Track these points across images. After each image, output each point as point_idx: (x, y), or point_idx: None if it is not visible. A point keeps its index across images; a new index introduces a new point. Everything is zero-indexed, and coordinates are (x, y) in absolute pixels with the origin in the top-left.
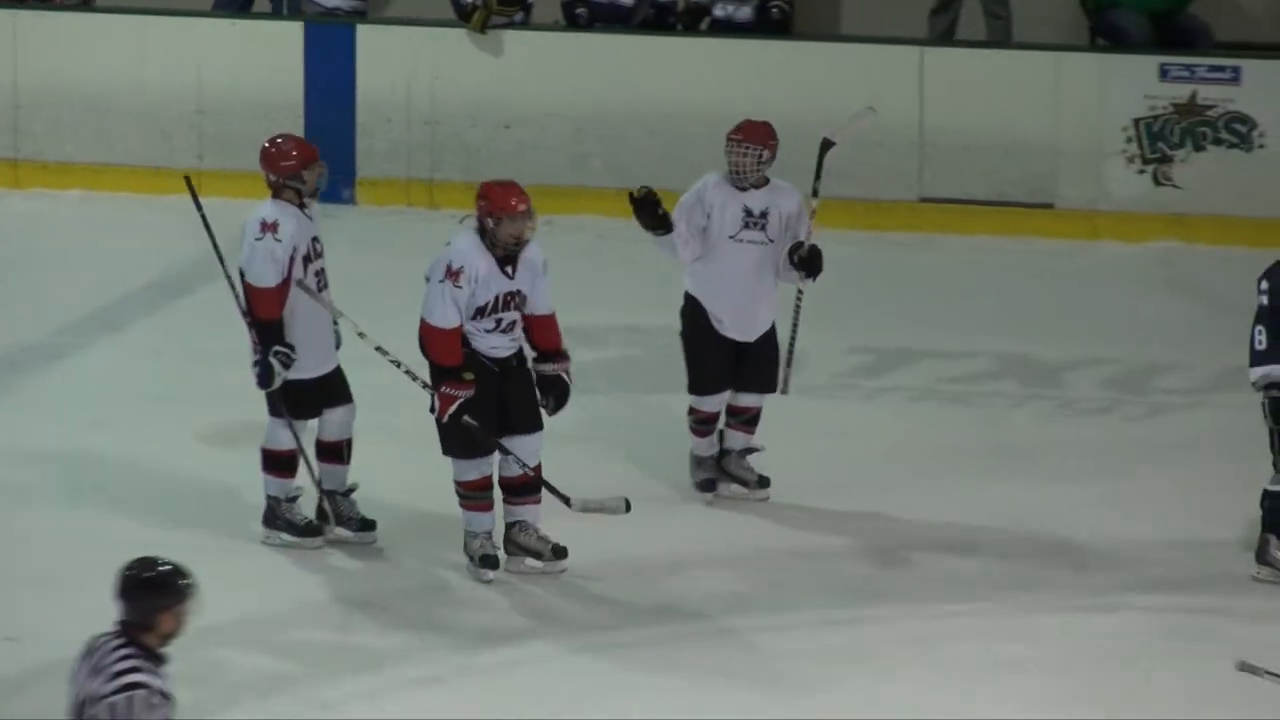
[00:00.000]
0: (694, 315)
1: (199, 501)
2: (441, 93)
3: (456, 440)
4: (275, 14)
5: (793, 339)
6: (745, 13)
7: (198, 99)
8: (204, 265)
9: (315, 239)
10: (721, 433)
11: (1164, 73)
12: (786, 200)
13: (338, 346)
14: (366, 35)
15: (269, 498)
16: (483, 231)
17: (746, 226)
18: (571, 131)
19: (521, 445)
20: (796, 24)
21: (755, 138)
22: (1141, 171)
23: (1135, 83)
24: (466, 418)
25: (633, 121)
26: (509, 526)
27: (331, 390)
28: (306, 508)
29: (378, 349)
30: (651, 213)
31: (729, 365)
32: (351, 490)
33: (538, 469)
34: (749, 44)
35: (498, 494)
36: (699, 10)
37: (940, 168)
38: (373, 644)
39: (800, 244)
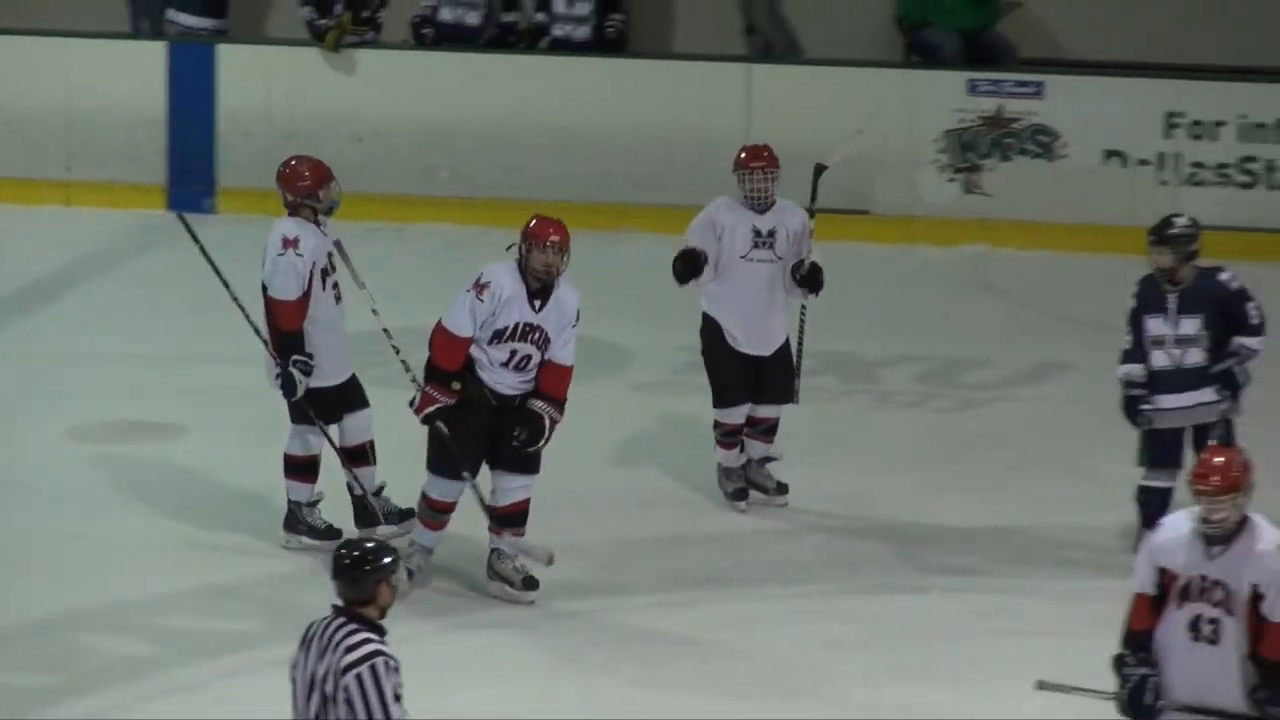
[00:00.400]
0: (712, 333)
1: (71, 493)
2: (297, 108)
3: (439, 458)
4: (140, 34)
5: (799, 351)
6: (583, 32)
7: (66, 113)
8: (73, 273)
9: (330, 254)
10: (741, 442)
11: (972, 87)
12: (793, 218)
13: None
14: (227, 54)
15: (291, 503)
16: (521, 263)
17: (756, 246)
18: (420, 144)
19: (506, 482)
20: (631, 42)
21: (774, 163)
22: (952, 180)
23: (946, 97)
24: (440, 424)
25: (478, 135)
26: (490, 552)
27: (350, 396)
28: (327, 513)
29: (385, 330)
30: (695, 268)
31: (749, 379)
32: (381, 489)
33: (506, 508)
34: (587, 62)
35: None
36: (539, 30)
37: None
38: (237, 628)
39: (801, 262)
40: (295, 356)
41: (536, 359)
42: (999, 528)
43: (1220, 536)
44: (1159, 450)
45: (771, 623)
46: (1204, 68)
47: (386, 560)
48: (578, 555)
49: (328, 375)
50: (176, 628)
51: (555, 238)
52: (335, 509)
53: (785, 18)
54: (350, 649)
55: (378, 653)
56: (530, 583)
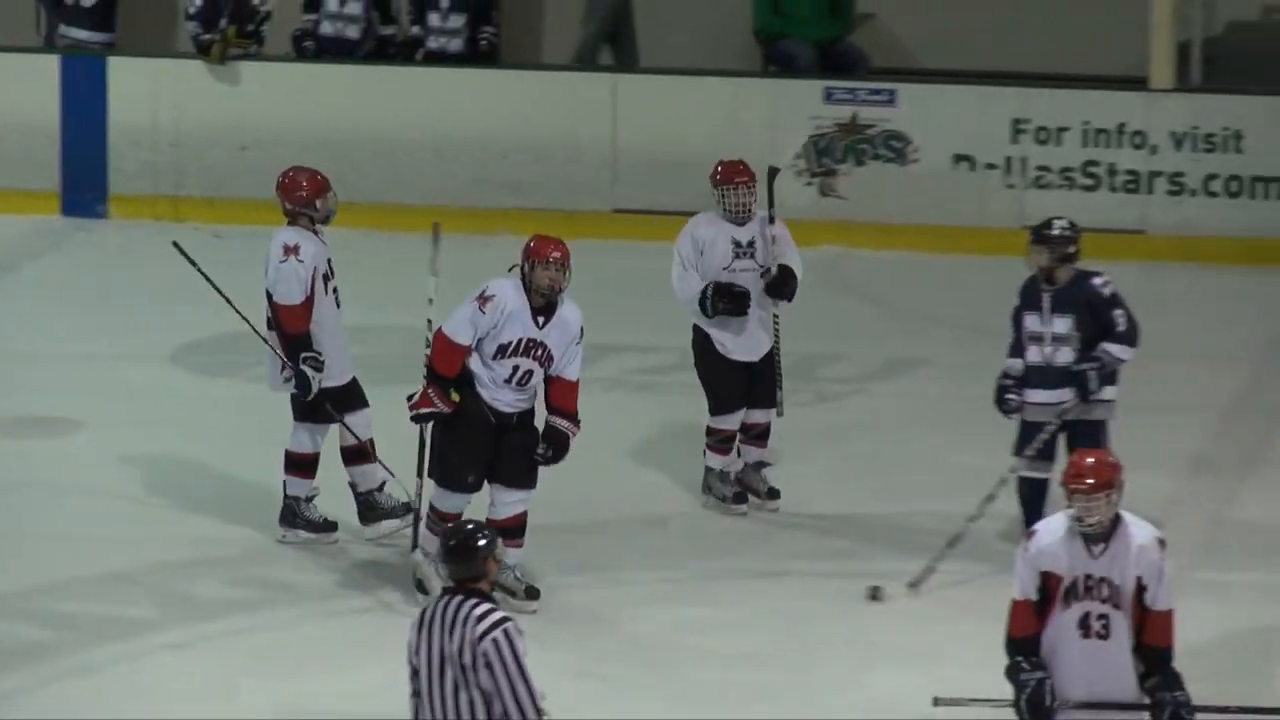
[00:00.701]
0: (703, 344)
1: None
2: (184, 118)
3: (443, 471)
4: (34, 47)
5: (777, 361)
6: (457, 44)
7: None
8: None
9: (329, 259)
10: (735, 446)
11: (828, 95)
12: (778, 228)
13: None
14: (117, 67)
15: (289, 498)
16: (525, 281)
17: (738, 257)
18: (303, 152)
19: (503, 496)
20: (502, 54)
21: (753, 177)
22: (809, 184)
23: (803, 105)
24: (426, 428)
25: (359, 143)
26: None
27: (352, 397)
28: (321, 509)
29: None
30: (740, 306)
31: (743, 385)
32: (383, 485)
33: (504, 521)
34: (461, 73)
35: None
36: (415, 42)
37: (631, 182)
38: (132, 614)
39: (768, 269)
40: (305, 354)
41: (538, 376)
42: (859, 515)
43: (1099, 535)
44: (1031, 442)
45: (635, 606)
46: (1049, 76)
47: (490, 539)
48: None
49: (332, 376)
50: (72, 613)
51: (556, 254)
52: (327, 503)
53: (631, 28)
54: (480, 619)
55: (506, 619)
56: (532, 592)
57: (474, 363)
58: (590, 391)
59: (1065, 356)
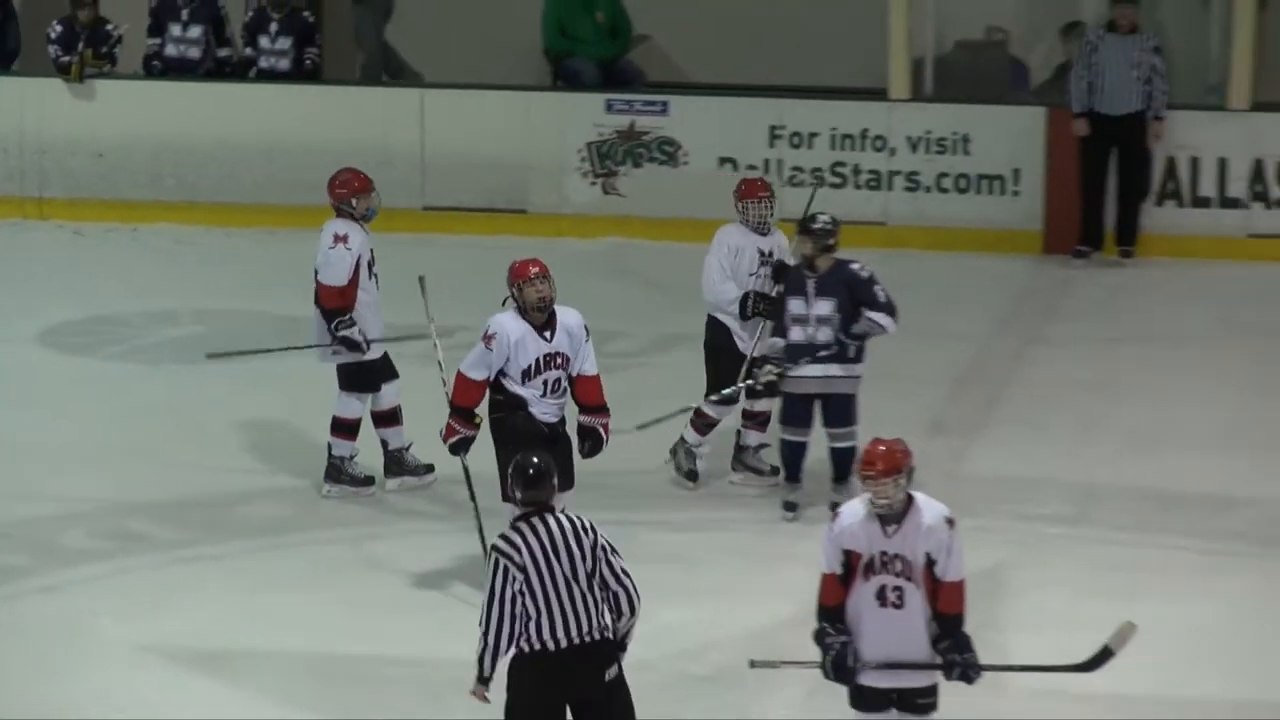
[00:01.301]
0: (723, 338)
1: None
2: (48, 129)
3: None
4: None
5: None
6: (284, 64)
7: None
8: None
9: (371, 249)
10: (739, 432)
11: (609, 107)
12: (781, 238)
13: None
14: None
15: (334, 457)
16: (519, 305)
17: (762, 264)
18: (150, 157)
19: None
20: (324, 72)
21: (772, 192)
22: (593, 183)
23: (587, 114)
24: (463, 457)
25: (199, 149)
26: None
27: (386, 368)
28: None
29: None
30: (776, 310)
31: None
32: (409, 446)
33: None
34: (288, 88)
35: None
36: (249, 62)
37: (438, 182)
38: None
39: (783, 265)
40: (338, 320)
41: (565, 380)
42: (643, 471)
43: (892, 516)
44: (792, 411)
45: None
46: (801, 88)
47: (554, 468)
48: None
49: (371, 350)
50: None
51: (535, 270)
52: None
53: (392, 46)
54: (583, 525)
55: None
56: None
57: (515, 387)
58: (403, 365)
59: (826, 335)
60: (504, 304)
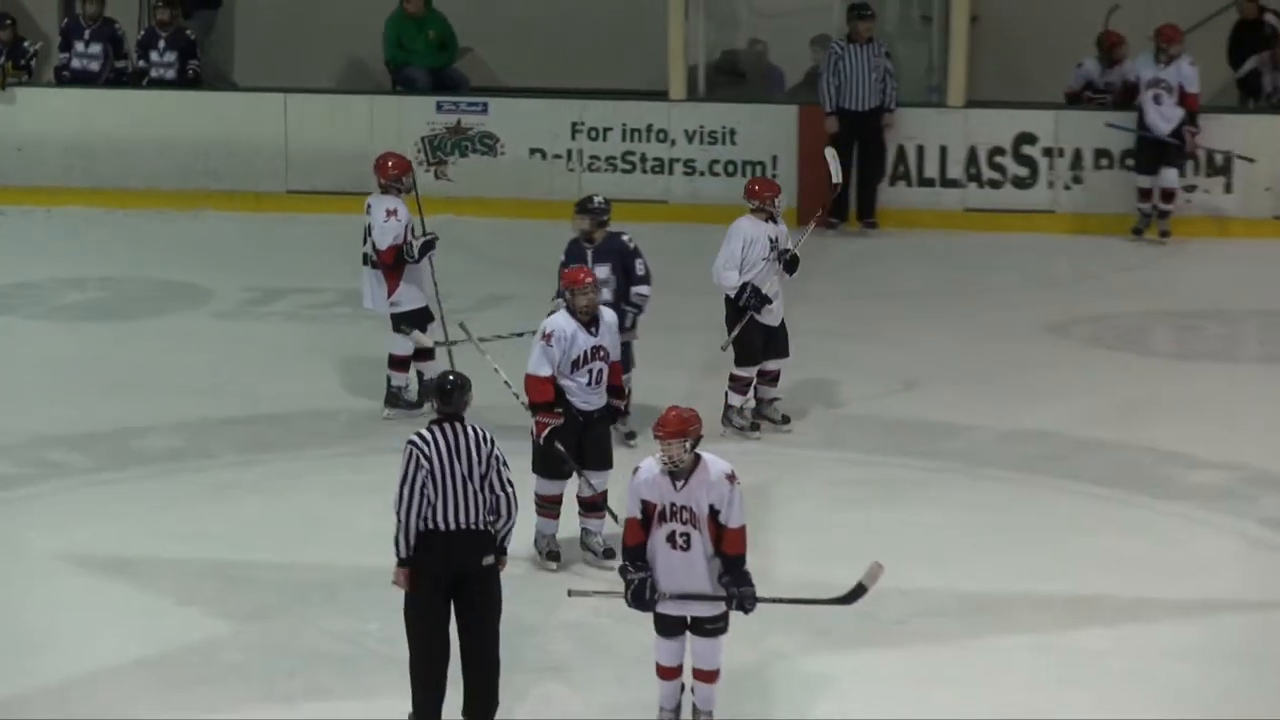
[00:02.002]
0: (737, 308)
1: None
2: None
3: (543, 463)
4: None
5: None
6: (171, 74)
7: None
8: None
9: (416, 218)
10: (755, 388)
11: (439, 107)
12: (784, 227)
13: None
14: None
15: (393, 388)
16: (569, 307)
17: (772, 249)
18: (61, 151)
19: (593, 477)
20: (204, 79)
21: (779, 191)
22: (427, 170)
23: (421, 114)
24: (557, 443)
25: (102, 144)
26: (582, 532)
27: (426, 315)
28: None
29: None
30: (763, 305)
31: (761, 343)
32: (409, 385)
33: (603, 493)
34: (174, 94)
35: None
36: (142, 73)
37: (299, 170)
38: None
39: (787, 250)
40: (424, 240)
41: (605, 371)
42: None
43: (680, 472)
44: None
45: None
46: (598, 90)
47: (469, 384)
48: None
49: (416, 300)
50: None
51: (589, 280)
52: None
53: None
54: (484, 436)
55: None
56: (609, 553)
57: (560, 379)
58: (271, 321)
59: (605, 295)
60: (552, 302)
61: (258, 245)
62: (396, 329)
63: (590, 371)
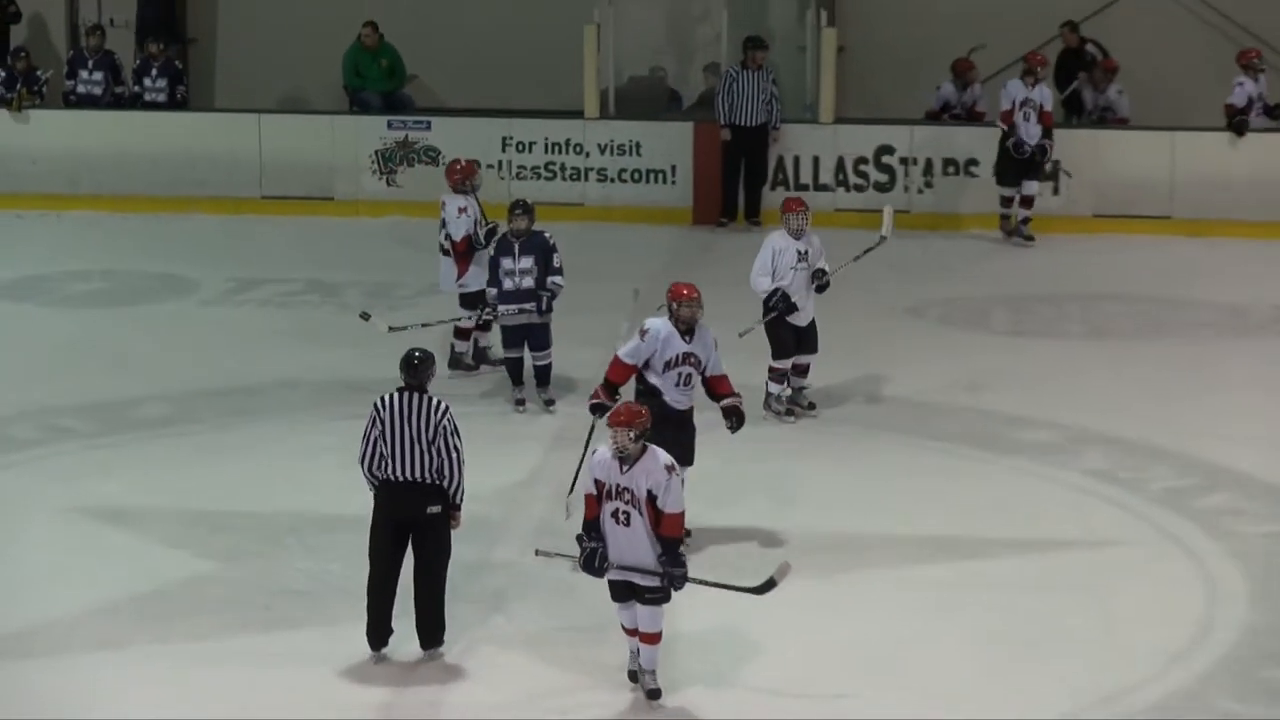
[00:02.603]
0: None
1: None
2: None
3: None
4: None
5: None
6: (162, 97)
7: None
8: None
9: (480, 213)
10: (787, 378)
11: (389, 125)
12: (815, 239)
13: None
14: None
15: (456, 353)
16: (671, 315)
17: (799, 260)
18: (69, 163)
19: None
20: (190, 102)
21: (806, 207)
22: (380, 178)
23: (374, 131)
24: (596, 417)
25: (104, 157)
26: None
27: (479, 298)
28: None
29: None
30: (792, 310)
31: (794, 340)
32: (468, 353)
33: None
34: (166, 115)
35: None
36: (137, 96)
37: (272, 178)
38: None
39: (822, 271)
40: (488, 229)
41: (695, 379)
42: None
43: (627, 458)
44: (510, 338)
45: None
46: (525, 110)
47: (432, 360)
48: None
49: (480, 283)
50: None
51: (693, 295)
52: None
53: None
54: (437, 406)
55: (448, 405)
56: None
57: (654, 378)
58: (248, 308)
59: (528, 282)
60: (659, 310)
61: (237, 242)
62: (463, 306)
63: (680, 374)
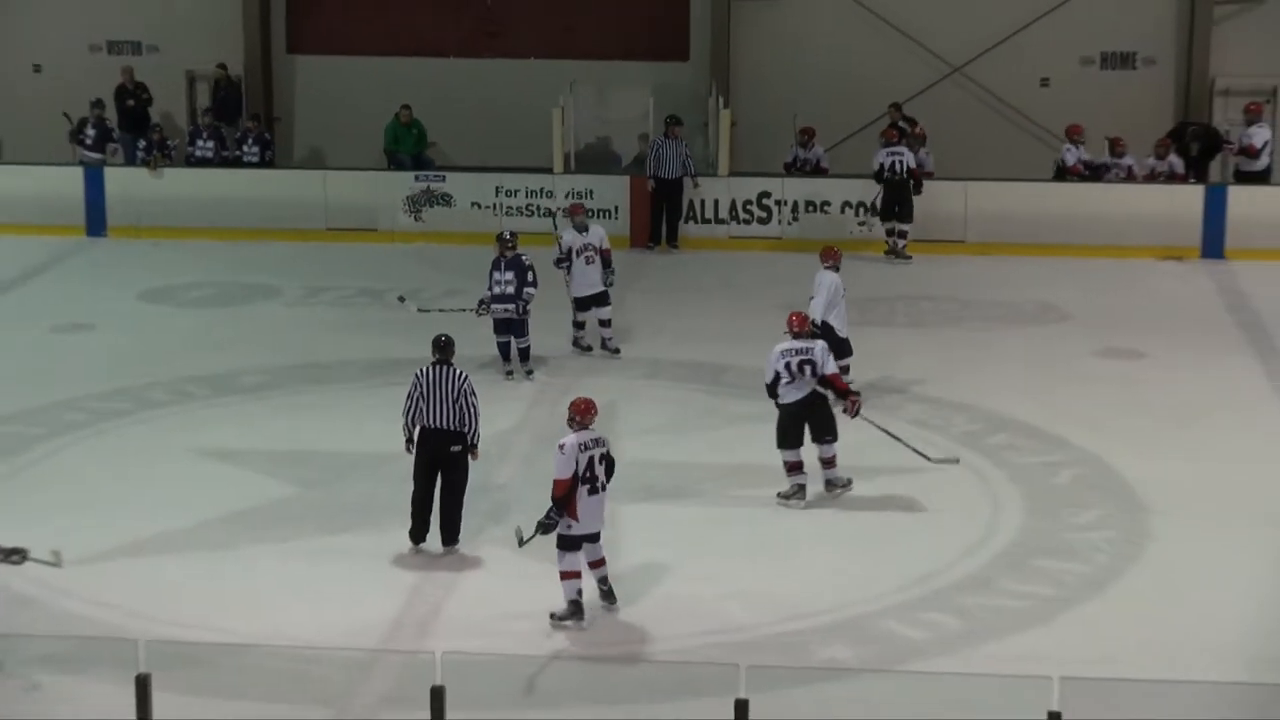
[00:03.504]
0: (828, 332)
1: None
2: (141, 194)
3: (781, 436)
4: (68, 161)
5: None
6: (256, 158)
7: None
8: None
9: (587, 245)
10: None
11: (417, 178)
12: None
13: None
14: (111, 172)
15: (575, 336)
16: (792, 334)
17: (843, 292)
18: (190, 206)
19: (822, 450)
20: (276, 162)
21: (841, 256)
22: (409, 215)
23: (405, 182)
24: (776, 401)
25: (215, 201)
26: (826, 483)
27: (600, 298)
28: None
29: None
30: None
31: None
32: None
33: (833, 458)
34: (259, 171)
35: None
36: (238, 158)
37: (335, 215)
38: None
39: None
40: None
41: (810, 372)
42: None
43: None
44: (499, 329)
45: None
46: (510, 167)
47: (453, 342)
48: None
49: (582, 290)
50: None
51: (797, 327)
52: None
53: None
54: (460, 375)
55: (468, 374)
56: (849, 482)
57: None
58: (318, 308)
59: (510, 290)
60: (784, 334)
61: (308, 262)
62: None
63: (793, 376)
